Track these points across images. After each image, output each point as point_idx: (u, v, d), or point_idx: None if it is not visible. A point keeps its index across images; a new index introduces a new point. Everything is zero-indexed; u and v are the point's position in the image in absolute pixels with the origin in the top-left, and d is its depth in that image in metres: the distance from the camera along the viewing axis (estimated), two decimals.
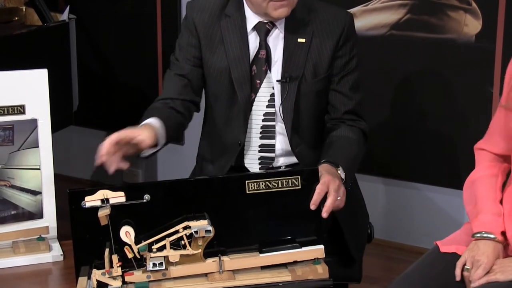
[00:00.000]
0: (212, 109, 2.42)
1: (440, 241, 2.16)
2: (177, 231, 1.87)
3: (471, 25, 3.22)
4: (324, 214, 1.96)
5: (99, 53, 4.07)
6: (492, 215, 2.06)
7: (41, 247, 2.18)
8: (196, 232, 1.85)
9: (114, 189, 1.90)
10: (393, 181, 3.57)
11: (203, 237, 1.87)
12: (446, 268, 2.07)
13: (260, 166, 2.36)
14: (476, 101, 3.27)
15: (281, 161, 2.38)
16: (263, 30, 2.30)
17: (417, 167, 3.49)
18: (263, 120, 2.34)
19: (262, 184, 1.92)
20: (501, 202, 2.10)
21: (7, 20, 3.67)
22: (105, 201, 1.90)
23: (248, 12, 2.30)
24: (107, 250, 1.89)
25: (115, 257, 1.89)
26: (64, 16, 3.47)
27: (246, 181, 1.91)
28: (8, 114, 2.20)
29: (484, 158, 2.19)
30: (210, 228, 1.85)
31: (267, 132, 2.35)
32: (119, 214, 1.90)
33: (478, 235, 2.05)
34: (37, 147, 2.23)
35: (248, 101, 2.32)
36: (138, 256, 1.89)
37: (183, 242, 1.87)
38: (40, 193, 2.24)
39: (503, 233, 2.05)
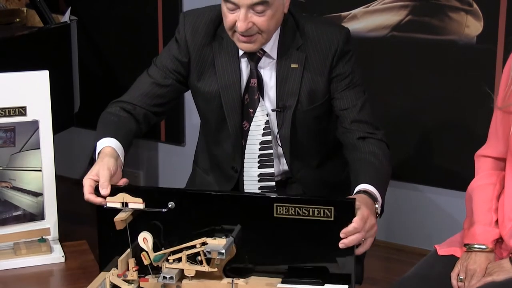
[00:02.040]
0: (203, 126, 2.40)
1: (439, 245, 2.17)
2: (194, 246, 1.83)
3: (472, 27, 3.21)
4: (341, 245, 1.82)
5: (100, 55, 4.07)
6: (483, 225, 2.08)
7: (42, 248, 2.18)
8: (208, 252, 1.80)
9: (134, 193, 1.88)
10: (394, 182, 3.56)
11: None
12: (444, 270, 2.08)
13: None
14: (477, 102, 3.26)
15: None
16: (254, 57, 2.22)
17: (418, 168, 3.49)
18: (260, 149, 2.28)
19: (292, 209, 1.83)
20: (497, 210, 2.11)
21: (9, 22, 3.66)
22: (124, 204, 1.89)
23: None
24: (125, 253, 1.89)
25: (131, 261, 1.88)
26: (65, 17, 3.47)
27: (275, 204, 1.84)
28: (10, 115, 2.20)
29: (484, 166, 2.19)
30: (223, 251, 1.77)
31: (265, 161, 2.29)
32: (142, 218, 1.89)
33: (469, 247, 2.07)
34: (39, 148, 2.23)
35: (238, 129, 2.26)
36: (154, 264, 1.88)
37: (199, 258, 1.84)
38: (41, 194, 2.24)
39: (497, 240, 2.07)
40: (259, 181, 2.31)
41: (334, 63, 2.21)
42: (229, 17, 2.12)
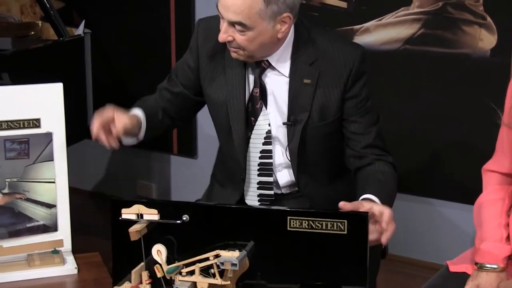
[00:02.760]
0: (218, 137, 2.41)
1: (451, 261, 2.16)
2: (208, 258, 1.83)
3: (486, 40, 3.21)
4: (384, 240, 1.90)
5: (113, 67, 4.08)
6: (494, 242, 2.06)
7: (55, 260, 2.19)
8: (222, 263, 1.80)
9: (149, 205, 1.89)
10: (406, 196, 3.55)
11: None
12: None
13: (259, 203, 2.33)
14: (490, 116, 3.25)
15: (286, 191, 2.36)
16: (258, 67, 2.23)
17: (430, 182, 3.48)
18: (260, 158, 2.29)
19: (305, 223, 1.83)
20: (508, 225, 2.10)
21: (24, 35, 3.69)
22: (139, 216, 1.90)
23: None
24: (139, 265, 1.89)
25: (145, 274, 1.89)
26: (79, 30, 3.49)
27: (288, 217, 1.84)
28: (24, 127, 2.21)
29: (491, 180, 2.17)
30: (236, 262, 1.78)
31: (265, 169, 2.30)
32: (156, 231, 1.89)
33: (480, 266, 2.05)
34: (52, 160, 2.24)
35: (242, 137, 2.27)
36: (168, 277, 1.88)
37: (212, 270, 1.84)
38: (54, 206, 2.25)
39: (508, 257, 2.06)
40: (258, 188, 2.33)
41: (349, 83, 2.20)
42: (220, 24, 2.15)
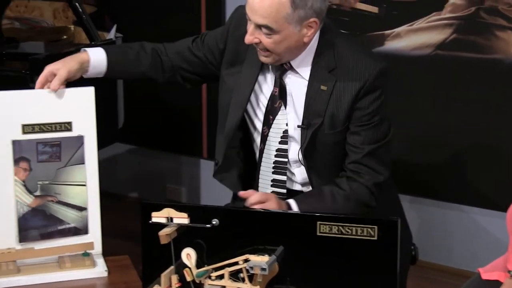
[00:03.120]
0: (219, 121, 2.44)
1: (483, 268, 2.14)
2: (237, 262, 1.84)
3: None
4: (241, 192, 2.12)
5: None
6: None
7: (86, 262, 2.20)
8: (251, 268, 1.80)
9: (179, 208, 1.90)
10: (437, 203, 3.53)
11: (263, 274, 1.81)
12: None
13: None
14: None
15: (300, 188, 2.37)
16: (280, 67, 2.25)
17: (462, 189, 3.45)
18: (275, 156, 2.31)
19: (335, 228, 1.83)
20: None
21: (56, 39, 3.73)
22: (169, 219, 1.91)
23: None
24: (169, 269, 1.90)
25: (174, 277, 1.90)
26: (111, 34, 3.52)
27: (318, 222, 1.84)
28: (56, 131, 2.22)
29: None
30: (265, 267, 1.78)
31: (279, 168, 2.32)
32: (186, 235, 1.90)
33: None
34: (83, 163, 2.25)
35: (233, 125, 2.32)
36: (197, 281, 1.89)
37: (242, 275, 1.84)
38: (85, 209, 2.26)
39: None
40: (271, 186, 2.34)
41: (360, 95, 2.20)
42: (247, 25, 2.18)
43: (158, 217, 1.91)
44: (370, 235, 1.81)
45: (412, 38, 3.40)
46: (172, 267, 1.91)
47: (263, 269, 1.78)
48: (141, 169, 4.35)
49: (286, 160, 2.31)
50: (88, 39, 3.47)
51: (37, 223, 2.22)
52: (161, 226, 1.91)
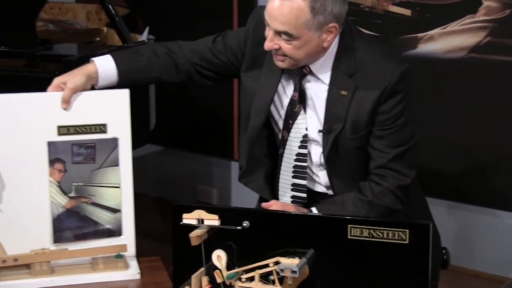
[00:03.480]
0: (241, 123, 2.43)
1: None
2: (267, 265, 1.83)
3: None
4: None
5: None
6: None
7: (118, 264, 2.20)
8: (281, 270, 1.79)
9: (210, 210, 1.90)
10: (471, 207, 3.50)
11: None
12: None
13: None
14: None
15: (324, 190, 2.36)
16: (299, 72, 2.23)
17: (494, 193, 3.42)
18: (295, 160, 2.30)
19: (366, 231, 1.82)
20: None
21: (89, 41, 3.76)
22: (200, 221, 1.91)
23: None
24: (199, 270, 1.90)
25: (205, 279, 1.90)
26: (143, 37, 3.54)
27: (349, 225, 1.83)
28: (91, 132, 2.23)
29: None
30: (296, 269, 1.77)
31: (299, 172, 2.31)
32: (216, 237, 1.90)
33: None
34: (118, 165, 2.26)
35: (254, 130, 2.31)
36: (227, 283, 1.89)
37: (272, 277, 1.84)
38: (119, 211, 2.27)
39: None
40: (291, 190, 2.33)
41: (382, 99, 2.17)
42: (265, 30, 2.16)
43: (189, 218, 1.91)
44: (401, 238, 1.80)
45: (446, 41, 3.37)
46: (202, 269, 1.91)
47: (294, 272, 1.78)
48: (172, 170, 4.37)
49: (306, 164, 2.30)
50: (121, 41, 3.49)
51: (72, 224, 2.24)
52: (192, 227, 1.91)
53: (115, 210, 2.27)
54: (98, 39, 3.79)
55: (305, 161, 2.29)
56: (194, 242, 1.89)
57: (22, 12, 3.37)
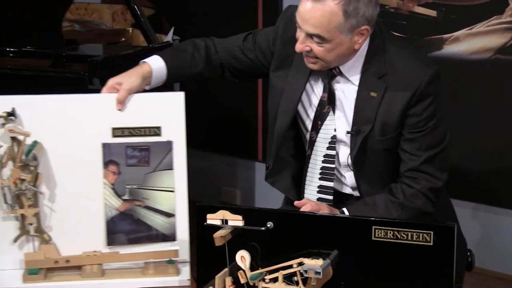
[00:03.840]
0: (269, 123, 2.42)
1: None
2: (291, 266, 1.84)
3: None
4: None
5: None
6: None
7: (169, 270, 2.18)
8: (305, 271, 1.79)
9: (234, 211, 1.90)
10: (495, 209, 3.48)
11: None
12: None
13: None
14: None
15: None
16: (329, 73, 2.22)
17: None
18: (323, 162, 2.29)
19: (390, 233, 1.81)
20: None
21: (115, 41, 3.78)
22: (224, 221, 1.91)
23: None
24: (223, 271, 1.91)
25: (228, 279, 1.90)
26: (169, 37, 3.55)
27: (373, 227, 1.83)
28: (145, 135, 2.22)
29: None
30: (320, 270, 1.76)
31: (326, 174, 2.30)
32: (240, 237, 1.90)
33: None
34: (172, 169, 2.25)
35: (281, 129, 2.30)
36: (251, 283, 1.89)
37: (296, 278, 1.84)
38: (173, 215, 2.24)
39: None
40: (318, 192, 2.32)
41: (412, 102, 2.16)
42: (296, 32, 2.15)
43: (213, 219, 1.91)
44: (425, 240, 1.79)
45: (472, 42, 3.35)
46: (226, 269, 1.92)
47: (317, 273, 1.77)
48: (196, 171, 4.38)
49: (333, 166, 2.29)
50: (146, 42, 3.51)
51: (125, 227, 2.23)
52: (216, 228, 1.92)
53: (169, 215, 2.24)
54: (123, 39, 3.81)
55: (333, 162, 2.28)
56: (218, 243, 1.89)
57: (49, 12, 3.40)
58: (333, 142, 2.27)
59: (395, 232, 1.81)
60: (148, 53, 3.44)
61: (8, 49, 3.38)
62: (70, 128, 2.20)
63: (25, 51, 3.36)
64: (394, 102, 2.16)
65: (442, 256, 1.80)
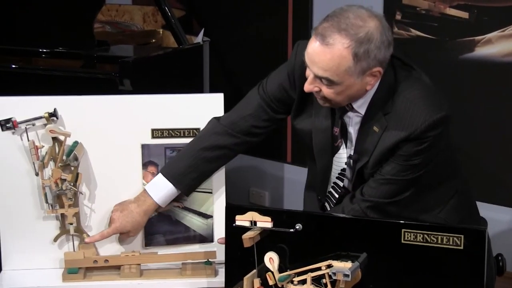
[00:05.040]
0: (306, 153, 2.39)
1: None
2: (320, 268, 1.83)
3: None
4: None
5: (232, 75, 4.14)
6: None
7: (207, 271, 2.19)
8: (334, 274, 1.79)
9: (263, 212, 1.90)
10: None
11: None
12: None
13: None
14: None
15: None
16: (340, 109, 2.17)
17: None
18: (331, 187, 2.28)
19: (420, 236, 1.81)
20: None
21: (145, 42, 3.80)
22: (253, 223, 1.91)
23: None
24: (251, 272, 1.91)
25: (257, 281, 1.91)
26: (199, 38, 3.56)
27: (402, 230, 1.82)
28: (184, 136, 2.24)
29: None
30: (348, 273, 1.76)
31: (330, 199, 2.30)
32: (269, 239, 1.90)
33: None
34: None
35: (325, 167, 2.26)
36: (279, 285, 1.89)
37: (324, 280, 1.84)
38: (211, 216, 2.26)
39: None
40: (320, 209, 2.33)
41: (405, 140, 2.10)
42: (306, 71, 2.09)
43: (242, 220, 1.91)
44: (456, 244, 1.78)
45: (504, 44, 3.32)
46: (254, 271, 1.92)
47: (346, 276, 1.77)
48: (225, 172, 4.38)
49: (337, 195, 2.28)
50: (176, 43, 3.52)
51: (163, 228, 2.25)
52: (244, 229, 1.92)
53: (207, 216, 2.26)
54: (153, 40, 3.83)
55: (338, 191, 2.28)
56: (246, 244, 1.90)
57: (81, 14, 3.43)
58: (342, 174, 2.25)
59: (425, 235, 1.80)
60: (178, 54, 3.49)
61: (41, 50, 3.41)
62: (110, 129, 2.22)
63: (57, 52, 3.40)
64: (390, 142, 2.11)
65: (472, 260, 1.78)
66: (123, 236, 2.23)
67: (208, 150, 2.23)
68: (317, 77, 2.05)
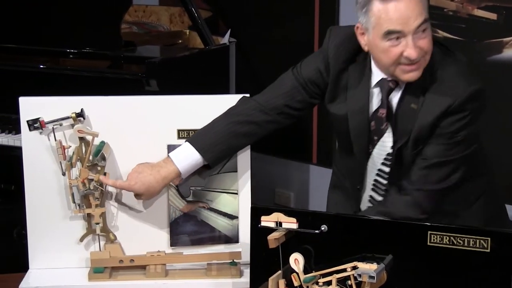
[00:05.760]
0: (338, 144, 2.38)
1: None
2: (345, 269, 1.83)
3: None
4: None
5: (258, 76, 4.14)
6: None
7: (232, 271, 2.20)
8: (359, 275, 1.78)
9: (288, 213, 1.90)
10: None
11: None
12: None
13: None
14: None
15: None
16: (386, 88, 2.16)
17: None
18: (376, 174, 2.26)
19: (446, 238, 1.79)
20: None
21: (172, 43, 3.81)
22: (278, 224, 1.91)
23: (373, 66, 2.17)
24: (276, 273, 1.91)
25: (282, 282, 1.91)
26: (225, 39, 3.56)
27: (429, 232, 1.81)
28: None
29: None
30: (374, 275, 1.76)
31: (377, 187, 2.27)
32: (294, 240, 1.90)
33: None
34: (236, 171, 2.26)
35: (363, 152, 2.24)
36: (304, 286, 1.88)
37: (349, 282, 1.83)
38: (236, 217, 2.26)
39: None
40: (369, 201, 2.31)
41: (444, 115, 2.10)
42: (393, 51, 2.07)
43: (267, 221, 1.91)
44: (482, 247, 1.77)
45: None
46: (279, 272, 1.91)
47: (371, 277, 1.76)
48: (250, 173, 4.38)
49: (385, 182, 2.25)
50: (203, 44, 3.53)
51: (188, 229, 2.26)
52: (270, 230, 1.92)
53: (232, 217, 2.26)
54: (180, 41, 3.85)
55: (385, 178, 2.25)
56: (271, 245, 1.89)
57: (108, 14, 3.45)
58: (387, 159, 2.22)
59: (451, 238, 1.79)
60: (204, 55, 3.50)
61: (68, 50, 3.44)
62: (136, 129, 2.23)
63: (84, 52, 3.42)
64: (429, 114, 2.11)
65: (499, 263, 1.76)
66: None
67: (239, 124, 2.23)
68: (416, 33, 2.04)
